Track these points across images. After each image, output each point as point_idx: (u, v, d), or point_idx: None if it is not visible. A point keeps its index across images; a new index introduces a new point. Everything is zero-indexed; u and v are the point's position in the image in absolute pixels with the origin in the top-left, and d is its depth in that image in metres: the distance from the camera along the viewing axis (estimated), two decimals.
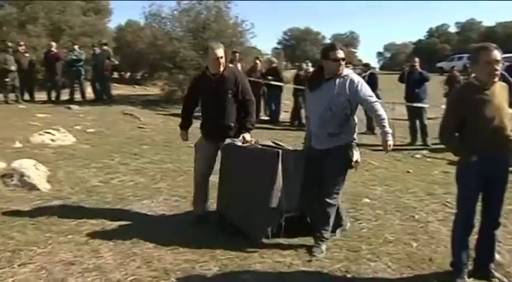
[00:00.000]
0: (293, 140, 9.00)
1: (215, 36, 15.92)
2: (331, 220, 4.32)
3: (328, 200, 4.21)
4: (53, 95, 15.16)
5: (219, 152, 4.74)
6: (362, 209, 5.52)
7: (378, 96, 12.66)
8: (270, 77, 13.45)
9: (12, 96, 14.28)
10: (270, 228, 4.30)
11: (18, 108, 13.24)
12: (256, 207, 4.31)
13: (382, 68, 63.19)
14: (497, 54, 3.42)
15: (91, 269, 3.72)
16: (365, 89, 4.15)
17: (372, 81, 12.35)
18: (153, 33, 16.72)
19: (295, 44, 74.41)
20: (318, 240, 4.25)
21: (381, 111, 4.15)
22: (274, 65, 14.49)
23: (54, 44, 15.70)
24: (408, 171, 7.68)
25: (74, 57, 15.19)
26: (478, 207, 3.63)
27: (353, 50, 76.19)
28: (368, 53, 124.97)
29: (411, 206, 5.72)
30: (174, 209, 5.40)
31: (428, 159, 8.80)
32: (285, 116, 14.13)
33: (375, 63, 61.06)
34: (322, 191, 4.24)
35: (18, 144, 8.09)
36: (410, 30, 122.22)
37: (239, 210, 4.48)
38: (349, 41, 77.52)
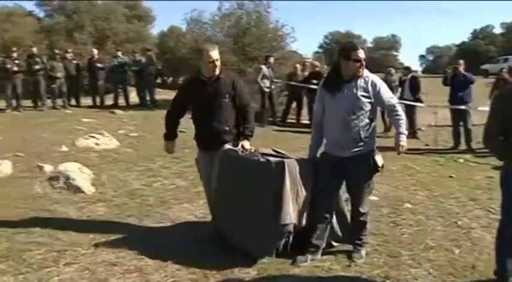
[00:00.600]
0: None
1: (255, 41, 16.06)
2: (368, 225, 4.27)
3: (361, 209, 4.11)
4: (97, 100, 15.59)
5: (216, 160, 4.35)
6: (403, 214, 5.42)
7: (419, 100, 12.52)
8: (314, 81, 13.42)
9: (59, 101, 14.80)
10: (275, 247, 3.98)
11: (65, 113, 13.71)
12: (261, 224, 3.94)
13: (424, 71, 61.86)
14: None
15: (132, 270, 3.80)
16: (386, 90, 3.99)
17: (414, 84, 12.19)
18: (194, 38, 16.95)
19: (336, 48, 74.01)
20: (357, 245, 4.18)
21: (401, 113, 4.03)
22: (317, 68, 14.42)
23: (95, 50, 16.18)
24: (451, 176, 7.49)
25: (117, 63, 15.59)
26: None
27: (394, 53, 75.21)
28: (410, 56, 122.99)
29: (454, 212, 5.58)
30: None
31: (472, 164, 8.56)
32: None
33: (417, 67, 60.04)
34: (353, 201, 4.14)
35: (64, 148, 8.36)
36: (453, 32, 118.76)
37: (241, 228, 4.10)
38: (391, 44, 76.49)
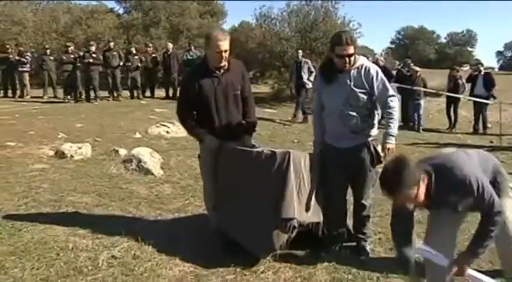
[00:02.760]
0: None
1: (323, 36, 16.26)
2: (370, 219, 4.15)
3: (364, 202, 3.97)
4: (171, 92, 16.36)
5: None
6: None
7: (493, 96, 12.24)
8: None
9: (134, 92, 15.74)
10: (278, 243, 3.69)
11: (140, 103, 14.56)
12: (265, 218, 3.70)
13: (501, 68, 58.97)
14: None
15: (191, 240, 4.27)
16: (381, 80, 3.73)
17: (488, 81, 12.03)
18: (262, 33, 17.39)
19: (408, 44, 72.13)
20: (361, 240, 4.06)
21: (395, 110, 3.74)
22: (381, 63, 14.43)
23: (170, 45, 16.94)
24: (510, 173, 7.40)
25: (190, 58, 16.26)
26: None
27: (470, 49, 72.19)
28: (486, 52, 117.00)
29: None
30: None
31: None
32: None
33: (493, 63, 57.35)
34: (355, 194, 4.00)
35: (138, 135, 9.04)
36: None
37: (244, 224, 3.84)
38: (466, 39, 73.47)
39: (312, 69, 12.58)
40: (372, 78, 3.71)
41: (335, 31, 16.39)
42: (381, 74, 3.77)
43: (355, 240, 4.11)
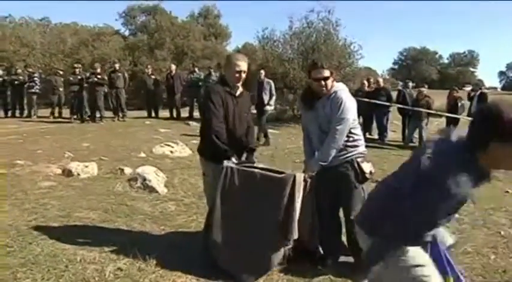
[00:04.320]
0: (398, 159, 9.26)
1: (324, 58, 16.56)
2: None
3: (352, 218, 3.90)
4: (174, 112, 16.67)
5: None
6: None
7: None
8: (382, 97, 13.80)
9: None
10: (278, 260, 3.92)
11: (144, 123, 14.85)
12: (266, 240, 3.85)
13: (504, 88, 59.33)
14: None
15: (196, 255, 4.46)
16: (342, 111, 3.82)
17: (482, 100, 12.28)
18: (265, 55, 17.74)
19: (410, 64, 72.76)
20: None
21: (334, 140, 3.84)
22: (381, 84, 14.73)
23: (174, 66, 17.31)
24: (507, 191, 7.60)
25: (195, 79, 16.59)
26: None
27: (472, 69, 72.70)
28: (489, 72, 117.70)
29: (500, 223, 5.79)
30: None
31: None
32: (394, 136, 14.26)
33: (496, 83, 57.69)
34: (344, 211, 4.11)
35: (142, 154, 9.28)
36: None
37: (243, 245, 3.92)
38: (468, 60, 74.03)
39: (273, 92, 12.22)
40: (333, 107, 3.85)
41: (336, 53, 16.98)
42: (347, 104, 3.85)
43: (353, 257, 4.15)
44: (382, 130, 14.06)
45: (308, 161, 4.16)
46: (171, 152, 9.80)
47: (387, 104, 13.83)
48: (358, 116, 15.63)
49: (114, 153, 9.27)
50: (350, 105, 3.87)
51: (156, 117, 16.71)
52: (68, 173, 7.43)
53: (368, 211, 2.53)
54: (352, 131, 3.95)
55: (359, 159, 3.98)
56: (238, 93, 4.24)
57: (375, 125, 14.57)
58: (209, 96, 4.11)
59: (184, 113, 16.85)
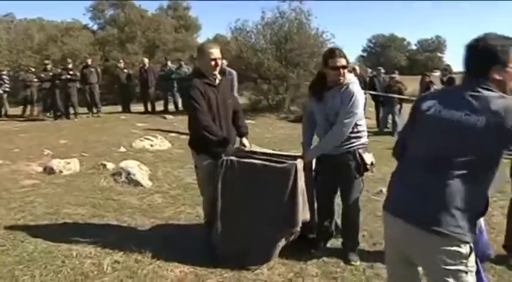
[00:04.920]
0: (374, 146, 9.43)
1: (297, 48, 16.71)
2: (359, 225, 4.24)
3: (351, 205, 4.11)
4: (149, 106, 16.53)
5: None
6: None
7: None
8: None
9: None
10: (277, 252, 3.99)
11: (120, 119, 14.70)
12: (271, 228, 3.89)
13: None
14: None
15: (189, 244, 4.53)
16: (353, 104, 3.83)
17: (451, 84, 12.58)
18: (238, 46, 17.74)
19: (380, 51, 73.70)
20: (349, 251, 4.17)
21: (338, 134, 3.89)
22: (358, 73, 14.96)
23: (146, 60, 17.14)
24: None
25: (168, 72, 16.45)
26: None
27: (440, 54, 74.14)
28: (456, 57, 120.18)
29: None
30: None
31: (505, 160, 8.85)
32: (368, 122, 14.48)
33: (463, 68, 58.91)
34: (343, 199, 4.15)
35: (123, 149, 9.25)
36: (504, 30, 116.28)
37: (246, 235, 3.97)
38: (436, 45, 75.42)
39: (235, 83, 11.75)
40: (343, 101, 3.85)
41: (309, 42, 17.11)
42: (358, 98, 3.86)
43: (342, 246, 4.26)
44: None
45: (307, 148, 4.19)
46: (151, 145, 9.79)
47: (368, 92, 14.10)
48: None
49: (94, 149, 9.21)
50: (360, 99, 3.87)
51: (129, 111, 16.53)
52: (49, 170, 7.38)
53: None
54: (358, 122, 3.95)
55: (361, 150, 4.01)
56: (217, 82, 4.18)
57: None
58: (188, 93, 4.05)
59: (159, 106, 16.74)
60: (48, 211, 5.48)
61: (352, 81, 3.92)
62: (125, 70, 16.94)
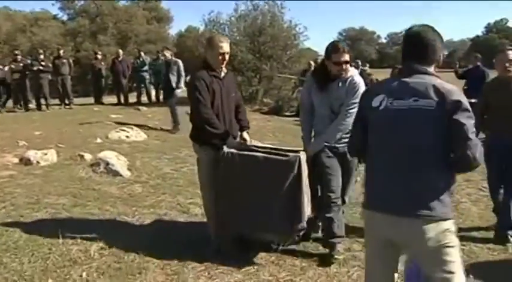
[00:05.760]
0: None
1: (270, 40, 16.86)
2: (343, 218, 4.17)
3: (345, 198, 4.11)
4: (122, 98, 16.41)
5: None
6: None
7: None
8: None
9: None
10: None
11: (93, 110, 14.59)
12: (276, 224, 3.83)
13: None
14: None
15: (172, 231, 4.66)
16: (356, 98, 3.61)
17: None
18: None
19: (350, 44, 74.41)
20: (334, 245, 4.04)
21: (342, 124, 3.84)
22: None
23: (121, 51, 17.01)
24: None
25: (141, 64, 16.35)
26: None
27: None
28: None
29: None
30: None
31: None
32: None
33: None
34: (342, 194, 4.04)
35: (99, 140, 9.24)
36: (468, 26, 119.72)
37: (253, 216, 3.90)
38: None
39: (182, 73, 11.35)
40: (348, 93, 3.84)
41: (283, 35, 17.28)
42: (360, 90, 3.76)
43: (325, 240, 4.13)
44: None
45: (307, 140, 4.11)
46: (127, 136, 9.81)
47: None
48: None
49: (70, 140, 9.17)
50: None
51: (101, 103, 16.37)
52: (26, 161, 7.35)
53: None
54: None
55: None
56: (223, 74, 4.14)
57: None
58: (193, 83, 4.00)
59: (132, 98, 16.65)
60: (29, 201, 5.51)
61: (355, 73, 3.95)
62: (102, 63, 16.78)
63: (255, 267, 3.91)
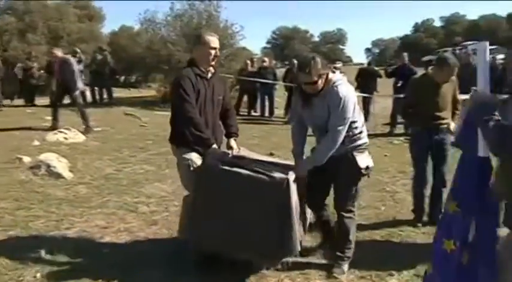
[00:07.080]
0: (286, 133, 9.98)
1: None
2: (352, 236, 3.85)
3: (344, 213, 3.77)
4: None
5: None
6: None
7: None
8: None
9: None
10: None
11: (26, 112, 14.09)
12: (263, 248, 3.45)
13: (369, 64, 64.70)
14: None
15: (122, 230, 4.70)
16: (342, 111, 3.49)
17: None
18: (149, 38, 17.63)
19: (283, 43, 75.70)
20: (338, 259, 3.83)
21: (331, 142, 3.55)
22: (265, 63, 15.52)
23: (60, 51, 16.38)
24: (385, 155, 8.67)
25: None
26: None
27: (341, 46, 77.92)
28: (357, 49, 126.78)
29: (384, 182, 6.74)
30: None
31: (405, 144, 9.72)
32: (277, 112, 15.08)
33: (363, 59, 62.58)
34: (336, 206, 3.83)
35: (36, 143, 8.98)
36: (397, 25, 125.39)
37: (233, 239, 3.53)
38: (338, 38, 79.04)
39: (77, 70, 11.18)
40: (331, 107, 3.53)
41: (219, 34, 17.27)
42: (347, 103, 3.52)
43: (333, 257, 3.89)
44: (271, 107, 14.96)
45: (298, 158, 3.83)
46: (65, 138, 9.59)
47: (275, 82, 14.78)
48: (243, 95, 16.22)
49: (4, 143, 8.86)
50: (350, 101, 3.54)
51: (34, 105, 15.81)
52: None
53: None
54: (352, 125, 3.64)
55: (355, 153, 3.69)
56: (210, 75, 3.85)
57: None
58: (178, 81, 3.74)
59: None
60: None
61: (338, 82, 3.57)
62: (35, 63, 16.19)
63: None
